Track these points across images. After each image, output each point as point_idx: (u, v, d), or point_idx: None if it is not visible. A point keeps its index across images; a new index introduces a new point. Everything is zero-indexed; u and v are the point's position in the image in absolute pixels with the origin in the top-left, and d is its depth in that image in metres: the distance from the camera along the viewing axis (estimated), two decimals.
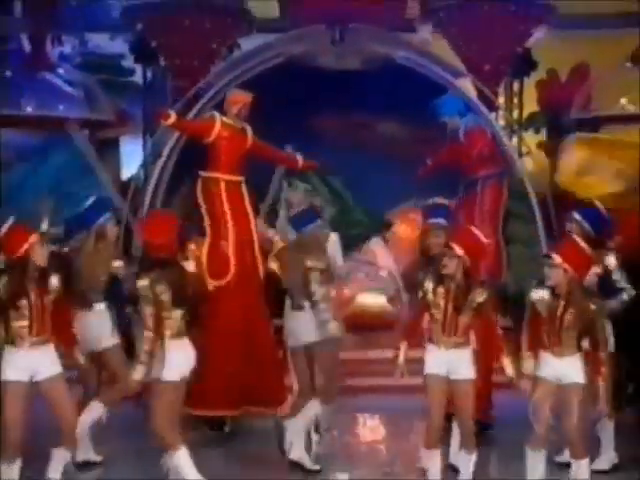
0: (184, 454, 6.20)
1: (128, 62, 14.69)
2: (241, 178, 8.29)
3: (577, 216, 7.24)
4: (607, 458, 7.11)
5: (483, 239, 6.36)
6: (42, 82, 13.18)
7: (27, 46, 14.06)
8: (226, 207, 8.24)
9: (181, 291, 6.22)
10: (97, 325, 7.29)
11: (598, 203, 7.58)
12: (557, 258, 6.10)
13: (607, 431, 7.14)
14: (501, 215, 10.66)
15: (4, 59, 13.80)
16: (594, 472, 6.54)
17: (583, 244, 6.28)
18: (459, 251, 6.19)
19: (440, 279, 6.25)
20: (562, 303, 6.10)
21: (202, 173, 8.30)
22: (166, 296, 6.15)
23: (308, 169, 8.93)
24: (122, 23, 13.70)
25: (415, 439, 7.56)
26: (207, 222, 8.29)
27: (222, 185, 8.23)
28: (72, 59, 14.62)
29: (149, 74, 13.84)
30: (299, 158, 8.69)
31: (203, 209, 8.31)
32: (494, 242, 9.68)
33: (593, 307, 6.14)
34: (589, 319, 6.12)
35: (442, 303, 6.23)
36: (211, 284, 8.01)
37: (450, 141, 9.89)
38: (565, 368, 6.15)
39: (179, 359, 6.19)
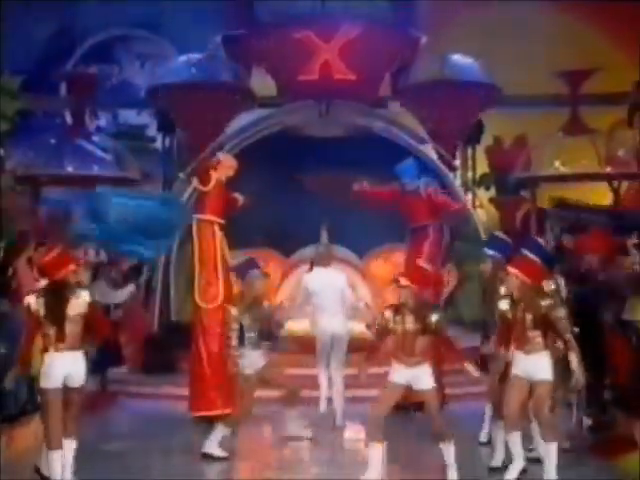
0: (57, 456, 6.12)
1: (151, 131, 15.18)
2: (223, 222, 8.92)
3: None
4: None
5: (427, 267, 6.64)
6: (81, 148, 13.49)
7: (69, 119, 14.44)
8: (217, 244, 8.81)
9: (57, 312, 6.10)
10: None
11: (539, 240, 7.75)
12: (511, 269, 6.41)
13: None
14: (443, 252, 10.79)
15: (51, 130, 14.07)
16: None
17: (532, 257, 6.42)
18: (404, 282, 6.30)
19: (397, 308, 6.34)
20: (520, 306, 6.29)
21: (198, 216, 8.88)
22: (42, 313, 6.12)
23: (247, 205, 9.18)
24: (147, 101, 14.07)
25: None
26: (198, 256, 8.78)
27: (215, 227, 8.83)
28: (106, 129, 15.00)
29: (167, 141, 14.15)
30: (239, 197, 9.05)
31: (196, 245, 8.76)
32: (438, 273, 9.89)
33: (544, 304, 6.26)
34: (542, 315, 6.24)
35: (400, 328, 6.29)
36: (204, 306, 8.61)
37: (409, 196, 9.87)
38: (534, 365, 6.24)
39: (55, 369, 6.10)
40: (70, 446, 6.16)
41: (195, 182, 9.03)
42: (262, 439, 8.70)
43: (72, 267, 6.31)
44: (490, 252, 7.25)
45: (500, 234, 7.94)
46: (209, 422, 8.26)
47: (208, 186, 8.77)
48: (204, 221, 8.83)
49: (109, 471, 6.95)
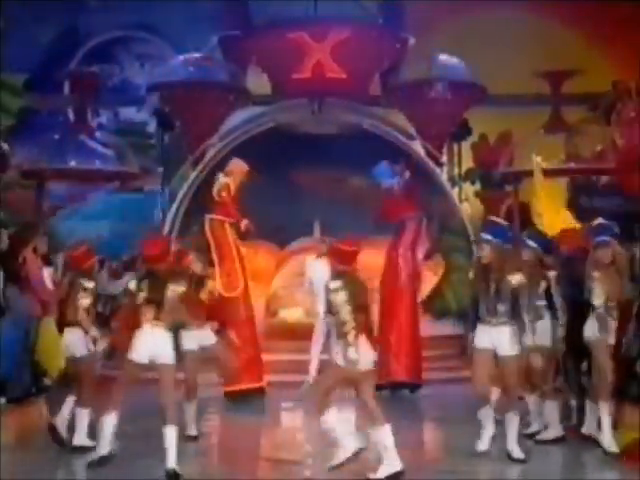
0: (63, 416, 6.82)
1: (151, 128, 15.26)
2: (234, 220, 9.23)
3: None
4: (553, 431, 6.96)
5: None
6: (83, 144, 13.65)
7: (72, 117, 14.52)
8: (231, 241, 9.16)
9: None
10: None
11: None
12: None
13: (552, 408, 6.99)
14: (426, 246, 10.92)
15: (54, 126, 14.16)
16: (542, 441, 6.82)
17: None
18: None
19: None
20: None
21: (211, 216, 9.14)
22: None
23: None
24: (146, 98, 14.24)
25: None
26: (215, 252, 9.07)
27: (227, 224, 9.13)
28: (107, 126, 15.08)
29: (166, 137, 14.24)
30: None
31: (211, 242, 9.06)
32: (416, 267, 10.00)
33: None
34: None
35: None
36: (227, 295, 8.93)
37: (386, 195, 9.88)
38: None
39: (64, 343, 6.99)
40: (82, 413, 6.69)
41: (215, 189, 9.20)
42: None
43: (94, 259, 6.97)
44: (487, 236, 6.76)
45: (496, 218, 7.66)
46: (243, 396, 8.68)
47: (224, 196, 9.07)
48: (216, 220, 9.15)
49: None
